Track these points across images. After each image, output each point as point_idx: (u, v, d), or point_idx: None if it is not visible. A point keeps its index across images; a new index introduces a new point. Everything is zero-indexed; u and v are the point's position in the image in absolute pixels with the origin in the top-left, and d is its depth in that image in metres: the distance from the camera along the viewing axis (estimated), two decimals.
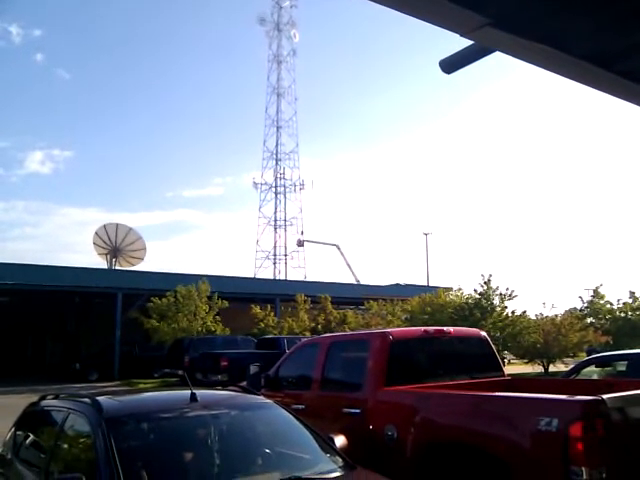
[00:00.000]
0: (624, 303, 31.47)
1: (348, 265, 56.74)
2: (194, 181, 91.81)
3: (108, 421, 3.73)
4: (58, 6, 74.84)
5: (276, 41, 58.51)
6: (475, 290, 27.69)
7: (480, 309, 26.63)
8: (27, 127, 75.12)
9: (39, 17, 74.65)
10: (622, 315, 31.12)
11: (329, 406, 6.23)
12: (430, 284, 43.32)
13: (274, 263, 57.98)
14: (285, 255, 58.34)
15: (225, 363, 19.40)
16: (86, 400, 4.17)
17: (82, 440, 4.00)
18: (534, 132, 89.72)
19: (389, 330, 6.71)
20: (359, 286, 46.17)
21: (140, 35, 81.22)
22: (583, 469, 3.89)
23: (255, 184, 58.43)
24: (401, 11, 2.25)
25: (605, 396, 4.11)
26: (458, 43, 2.60)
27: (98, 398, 4.12)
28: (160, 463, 3.75)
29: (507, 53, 2.64)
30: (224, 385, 5.20)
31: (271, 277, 54.33)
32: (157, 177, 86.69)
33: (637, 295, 31.19)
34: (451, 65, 2.99)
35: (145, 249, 46.31)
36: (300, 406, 6.07)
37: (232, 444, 4.10)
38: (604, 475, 3.90)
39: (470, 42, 2.66)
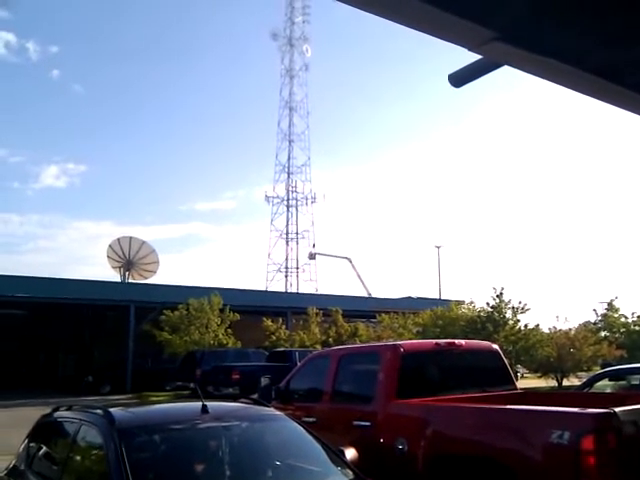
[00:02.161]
0: (639, 317, 31.17)
1: (360, 278, 56.64)
2: (206, 194, 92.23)
3: (120, 432, 3.75)
4: (74, 21, 75.92)
5: (288, 56, 58.96)
6: (487, 303, 27.55)
7: (492, 322, 26.46)
8: (43, 142, 75.88)
9: (56, 33, 75.77)
10: (637, 329, 30.80)
11: (340, 419, 6.23)
12: (442, 297, 43.14)
13: (286, 276, 58.04)
14: (297, 268, 58.38)
15: (237, 376, 19.42)
16: (98, 411, 4.21)
17: (94, 451, 4.03)
18: (546, 143, 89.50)
19: (400, 342, 6.71)
20: (371, 299, 46.05)
21: (153, 49, 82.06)
22: None
23: (267, 197, 58.67)
24: (407, 25, 2.27)
25: (617, 409, 4.10)
26: (468, 54, 2.63)
27: (110, 409, 4.15)
28: (171, 474, 3.77)
29: (516, 67, 2.65)
30: (235, 398, 5.21)
31: (283, 290, 54.33)
32: (170, 190, 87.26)
33: None
34: (460, 79, 3.01)
35: (158, 262, 46.52)
36: (311, 419, 6.07)
37: (243, 456, 4.11)
38: None
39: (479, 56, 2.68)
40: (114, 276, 45.06)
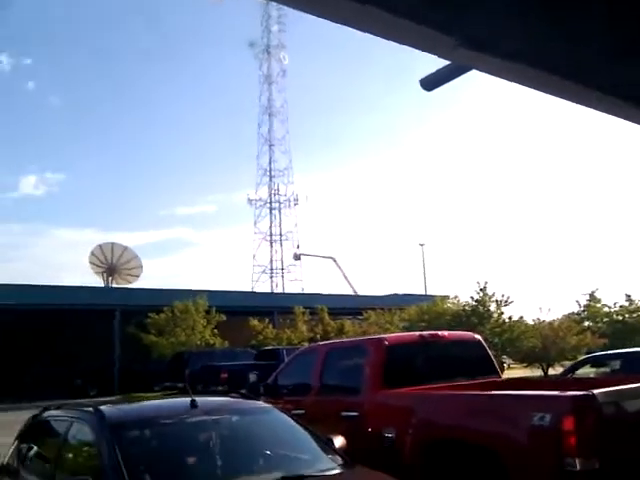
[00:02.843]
0: (621, 306, 31.66)
1: (345, 277, 56.79)
2: (187, 199, 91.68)
3: (112, 427, 3.82)
4: (47, 32, 75.05)
5: (266, 63, 58.86)
6: (472, 297, 27.85)
7: (477, 316, 26.78)
8: (20, 152, 75.07)
9: (28, 46, 74.88)
10: (619, 318, 31.29)
11: (328, 410, 6.32)
12: (428, 293, 43.41)
13: (271, 277, 58.03)
14: (282, 269, 58.40)
15: (225, 375, 19.44)
16: (89, 409, 4.26)
17: (86, 447, 4.09)
18: (527, 138, 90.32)
19: (385, 335, 6.82)
20: (357, 297, 46.22)
21: (131, 57, 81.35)
22: (577, 460, 4.01)
23: (250, 200, 58.56)
24: (376, 35, 2.35)
25: (595, 391, 4.23)
26: (440, 61, 2.73)
27: (101, 406, 4.22)
28: (164, 467, 3.84)
29: (482, 71, 2.73)
30: (224, 393, 5.28)
31: (268, 291, 54.34)
32: (150, 196, 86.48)
33: (633, 298, 31.42)
34: (431, 83, 3.09)
35: (141, 267, 46.38)
36: (300, 411, 6.15)
37: (233, 447, 4.20)
38: (597, 465, 4.02)
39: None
40: (97, 282, 44.86)
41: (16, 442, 5.12)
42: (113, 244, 45.15)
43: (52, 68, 72.53)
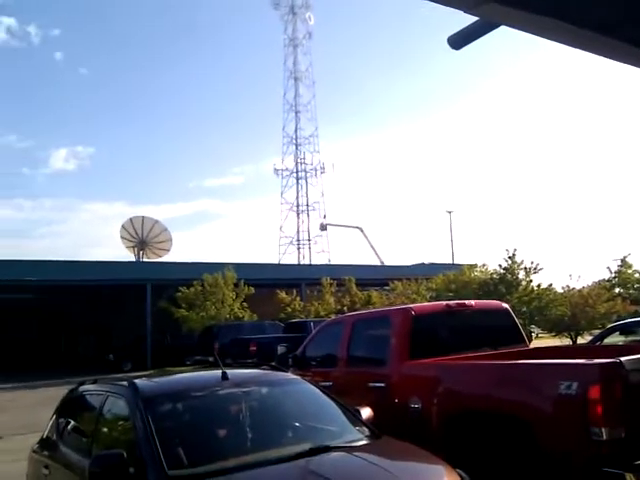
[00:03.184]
0: None
1: (372, 247, 56.77)
2: (214, 170, 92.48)
3: (145, 401, 3.93)
4: (75, 4, 75.29)
5: (291, 25, 58.28)
6: (500, 265, 27.62)
7: (505, 284, 26.56)
8: (50, 126, 76.28)
9: (57, 16, 75.21)
10: None
11: (355, 382, 6.41)
12: (455, 262, 43.20)
13: (298, 248, 58.27)
14: (309, 240, 58.55)
15: (254, 348, 19.71)
16: (123, 383, 4.39)
17: (121, 421, 4.21)
18: (557, 105, 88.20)
19: (411, 305, 6.84)
20: (383, 267, 46.20)
21: (157, 27, 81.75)
22: (603, 430, 4.00)
23: (276, 170, 58.63)
24: None
25: (623, 358, 4.20)
26: (465, 18, 2.67)
27: (134, 380, 4.34)
28: (196, 438, 3.94)
29: (512, 26, 2.69)
30: (255, 365, 5.42)
31: (295, 262, 54.60)
32: (178, 168, 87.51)
33: None
34: (459, 41, 3.04)
35: (171, 240, 46.92)
36: (327, 383, 6.24)
37: (263, 419, 4.28)
38: (623, 435, 4.02)
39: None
40: (128, 256, 45.58)
41: (54, 416, 5.31)
42: (144, 218, 45.67)
43: (80, 38, 72.90)
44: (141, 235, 44.94)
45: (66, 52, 77.00)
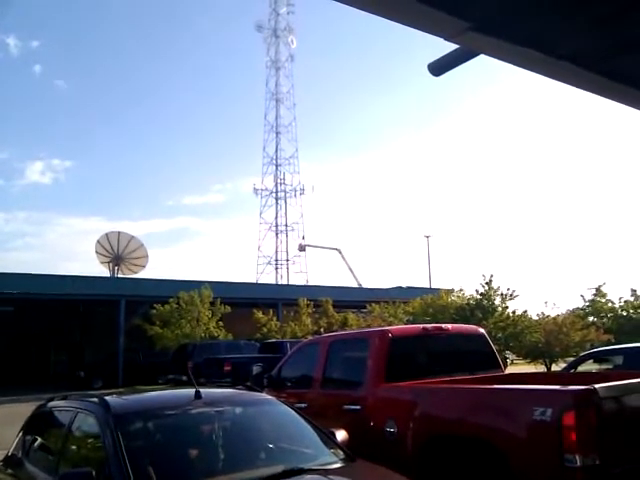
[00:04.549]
0: (625, 301, 31.53)
1: (350, 269, 56.80)
2: (194, 188, 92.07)
3: (116, 418, 3.84)
4: (55, 17, 75.23)
5: (274, 47, 58.84)
6: (476, 290, 27.82)
7: (481, 309, 26.75)
8: (26, 138, 75.33)
9: (36, 28, 74.95)
10: (624, 313, 31.16)
11: (330, 404, 6.35)
12: (432, 286, 43.40)
13: (276, 268, 58.12)
14: (287, 260, 58.46)
15: (229, 367, 19.51)
16: (94, 399, 4.29)
17: (91, 438, 4.12)
18: (533, 132, 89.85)
19: (388, 328, 6.82)
20: (361, 289, 46.24)
21: (137, 43, 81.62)
22: (577, 456, 4.01)
23: (255, 190, 58.61)
24: (387, 17, 2.35)
25: (597, 386, 4.23)
26: (446, 45, 2.71)
27: (105, 397, 4.24)
28: (167, 458, 3.86)
29: (491, 56, 2.73)
30: (230, 385, 5.33)
31: (273, 282, 54.40)
32: (157, 185, 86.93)
33: (639, 293, 31.26)
34: (439, 68, 3.09)
35: (147, 257, 46.47)
36: (302, 404, 6.19)
37: (236, 439, 4.22)
38: (597, 462, 4.02)
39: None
40: (104, 272, 45.00)
41: (21, 433, 5.16)
42: (119, 233, 45.24)
43: (59, 52, 72.62)
44: (116, 250, 44.48)
45: (45, 64, 76.55)
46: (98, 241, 44.70)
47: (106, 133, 77.97)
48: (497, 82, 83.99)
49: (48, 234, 77.96)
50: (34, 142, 75.04)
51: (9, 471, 4.92)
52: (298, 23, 61.32)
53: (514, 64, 2.75)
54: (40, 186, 77.61)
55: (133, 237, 45.72)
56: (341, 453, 4.10)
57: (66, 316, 38.67)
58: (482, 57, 2.79)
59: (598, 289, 32.46)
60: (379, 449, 5.33)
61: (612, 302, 32.04)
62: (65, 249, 78.55)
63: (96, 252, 44.72)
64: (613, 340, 25.54)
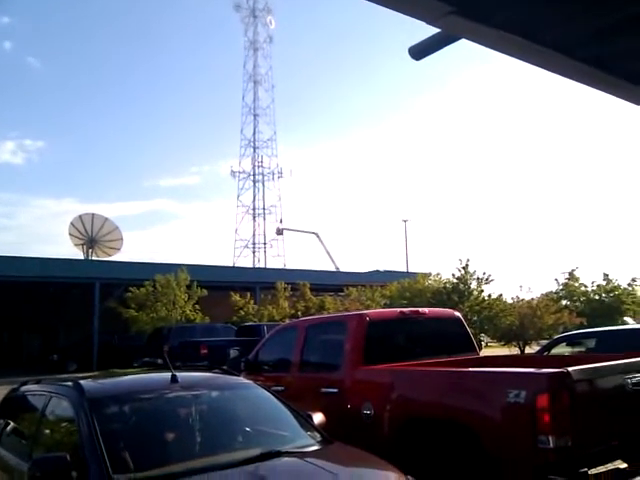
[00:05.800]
0: (598, 285, 32.17)
1: (328, 253, 56.90)
2: (171, 170, 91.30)
3: (91, 402, 3.79)
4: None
5: (252, 28, 58.11)
6: (453, 275, 28.13)
7: (458, 293, 27.08)
8: None
9: (8, 4, 72.93)
10: (596, 297, 31.81)
11: (308, 387, 6.36)
12: (410, 270, 43.70)
13: (253, 252, 57.97)
14: (264, 244, 58.34)
15: (205, 351, 19.45)
16: (68, 383, 4.24)
17: (65, 423, 4.06)
18: (509, 117, 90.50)
19: (366, 311, 6.84)
20: (339, 273, 46.37)
21: (114, 24, 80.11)
22: (550, 438, 4.08)
23: (233, 172, 58.20)
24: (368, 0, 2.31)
25: (570, 368, 4.30)
26: (427, 29, 2.68)
27: (80, 381, 4.19)
28: (142, 442, 3.83)
29: (472, 40, 2.71)
30: (207, 368, 5.31)
31: (250, 266, 54.28)
32: (133, 167, 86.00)
33: (611, 278, 31.93)
34: (420, 52, 3.06)
35: (122, 239, 45.97)
36: (280, 388, 6.19)
37: (213, 423, 4.20)
38: (569, 443, 4.10)
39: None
40: (77, 254, 44.44)
41: None
42: (93, 215, 44.64)
43: (33, 30, 70.90)
44: (90, 233, 43.92)
45: (16, 41, 74.71)
46: (72, 223, 44.07)
47: (81, 114, 76.85)
48: (479, 65, 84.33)
49: (21, 216, 76.71)
50: (4, 121, 73.44)
51: None
52: (277, 4, 60.76)
53: (495, 49, 2.74)
54: (12, 166, 76.12)
55: (107, 219, 45.16)
56: (318, 436, 4.11)
57: (39, 299, 38.18)
58: (463, 41, 2.77)
59: (571, 273, 33.11)
60: (356, 431, 5.37)
61: (585, 286, 32.72)
62: (39, 231, 77.46)
63: (70, 234, 44.12)
64: (585, 323, 26.08)
